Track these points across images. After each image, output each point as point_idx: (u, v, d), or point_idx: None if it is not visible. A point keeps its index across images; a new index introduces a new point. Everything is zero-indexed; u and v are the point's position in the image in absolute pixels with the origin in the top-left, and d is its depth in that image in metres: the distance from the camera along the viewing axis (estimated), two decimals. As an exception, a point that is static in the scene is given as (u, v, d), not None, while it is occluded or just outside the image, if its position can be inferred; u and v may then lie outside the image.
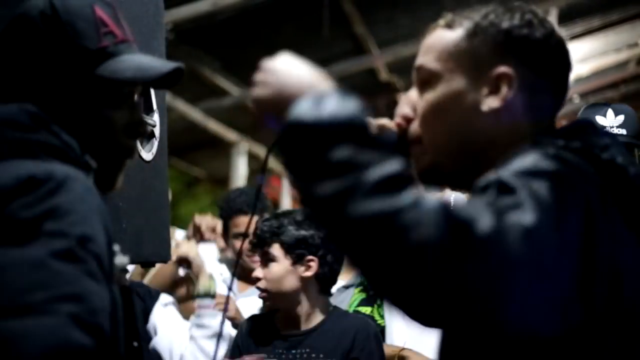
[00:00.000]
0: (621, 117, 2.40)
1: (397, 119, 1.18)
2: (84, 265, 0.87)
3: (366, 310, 2.52)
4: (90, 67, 1.08)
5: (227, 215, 3.05)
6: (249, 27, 4.76)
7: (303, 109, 0.90)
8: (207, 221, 3.30)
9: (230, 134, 6.37)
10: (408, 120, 1.17)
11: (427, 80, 1.14)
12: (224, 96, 5.62)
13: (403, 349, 2.31)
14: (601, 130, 1.12)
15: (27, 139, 0.99)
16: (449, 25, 1.15)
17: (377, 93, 6.45)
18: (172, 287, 3.00)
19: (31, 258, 0.85)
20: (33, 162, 0.96)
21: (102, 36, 1.09)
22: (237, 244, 2.97)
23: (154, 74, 1.11)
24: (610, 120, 2.41)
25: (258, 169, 6.82)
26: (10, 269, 0.84)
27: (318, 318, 2.22)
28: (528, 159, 0.98)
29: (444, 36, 1.14)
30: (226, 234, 3.08)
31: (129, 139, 1.13)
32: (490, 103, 1.10)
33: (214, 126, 6.08)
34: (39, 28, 1.06)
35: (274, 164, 7.09)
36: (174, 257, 2.45)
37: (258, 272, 2.18)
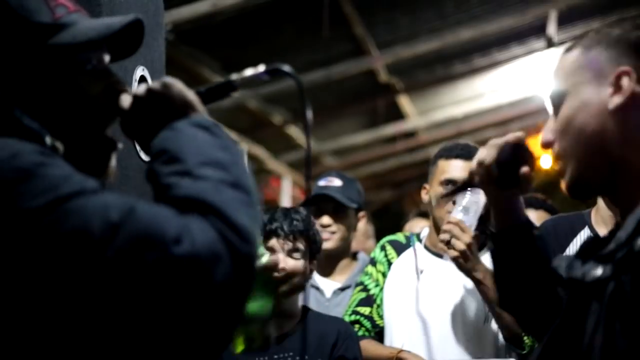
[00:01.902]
0: None
1: (543, 144, 1.27)
2: None
3: (365, 310, 2.51)
4: (49, 40, 1.05)
5: None
6: (249, 28, 4.76)
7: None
8: None
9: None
10: (550, 145, 1.26)
11: (558, 103, 1.24)
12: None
13: (401, 350, 2.31)
14: None
15: None
16: (568, 50, 1.27)
17: (376, 94, 6.44)
18: None
19: None
20: None
21: (54, 9, 1.07)
22: None
23: (115, 27, 1.08)
24: None
25: (257, 169, 6.81)
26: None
27: (295, 319, 2.21)
28: None
29: (565, 60, 1.26)
30: None
31: (108, 104, 1.09)
32: (615, 100, 1.17)
33: (214, 127, 6.08)
34: None
35: (275, 165, 7.10)
36: None
37: (283, 263, 2.17)
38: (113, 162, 1.12)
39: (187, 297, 0.85)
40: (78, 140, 1.07)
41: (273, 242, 2.18)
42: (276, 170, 7.27)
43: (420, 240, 2.57)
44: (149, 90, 1.08)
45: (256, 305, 1.12)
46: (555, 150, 1.25)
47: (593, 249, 1.20)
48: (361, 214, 3.07)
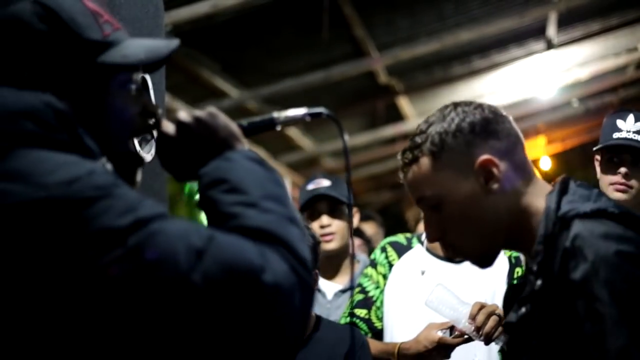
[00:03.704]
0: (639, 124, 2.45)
1: (436, 241, 1.39)
2: None
3: (362, 312, 2.51)
4: (98, 58, 1.05)
5: None
6: (249, 29, 4.76)
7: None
8: None
9: (229, 136, 6.37)
10: (440, 240, 1.37)
11: (433, 204, 1.34)
12: (223, 98, 5.61)
13: (401, 345, 2.30)
14: None
15: (50, 137, 0.91)
16: (414, 160, 1.36)
17: (376, 96, 6.44)
18: None
19: None
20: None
21: (102, 26, 1.07)
22: None
23: (163, 52, 1.10)
24: (629, 125, 2.46)
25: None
26: None
27: (307, 329, 2.18)
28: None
29: (419, 168, 1.35)
30: None
31: (144, 125, 1.12)
32: (494, 186, 1.31)
33: (213, 128, 6.08)
34: (38, 30, 1.01)
35: (274, 166, 7.08)
36: None
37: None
38: (139, 176, 1.13)
39: (272, 324, 0.89)
40: (111, 157, 1.06)
41: None
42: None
43: (421, 242, 2.57)
44: (197, 119, 1.11)
45: None
46: (450, 241, 1.37)
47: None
48: (355, 209, 3.07)
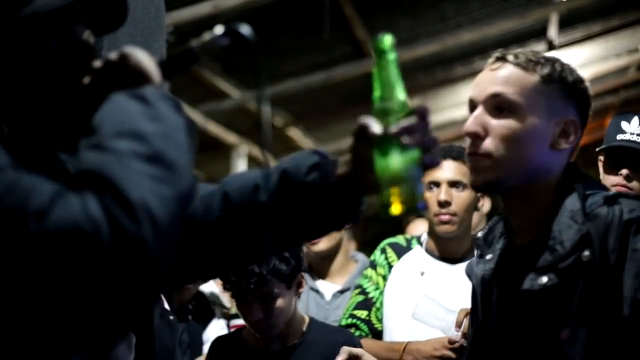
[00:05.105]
0: None
1: (470, 134, 1.40)
2: None
3: (362, 314, 2.50)
4: (12, 13, 0.98)
5: None
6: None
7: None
8: None
9: (230, 137, 6.37)
10: (477, 137, 1.39)
11: (504, 108, 1.38)
12: (224, 98, 5.61)
13: (408, 342, 2.30)
14: None
15: None
16: (524, 68, 1.39)
17: (377, 97, 6.44)
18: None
19: None
20: None
21: None
22: None
23: None
24: (633, 128, 2.48)
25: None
26: None
27: (299, 330, 2.16)
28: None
29: (522, 76, 1.40)
30: None
31: (75, 81, 1.03)
32: (562, 144, 1.38)
33: (214, 128, 6.08)
34: None
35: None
36: None
37: (259, 314, 2.04)
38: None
39: (47, 272, 0.81)
40: (51, 116, 1.02)
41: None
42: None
43: (420, 243, 2.57)
44: (106, 62, 1.03)
45: (399, 165, 1.11)
46: (485, 146, 1.38)
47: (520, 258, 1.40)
48: None
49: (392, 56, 1.14)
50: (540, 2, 5.45)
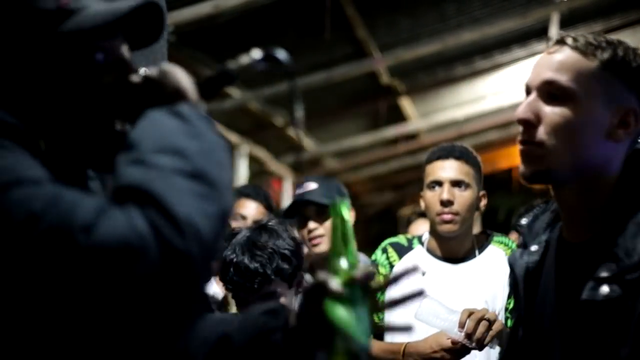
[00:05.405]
0: None
1: (520, 121, 1.29)
2: None
3: (365, 313, 2.50)
4: (54, 28, 0.99)
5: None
6: (251, 29, 4.76)
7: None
8: None
9: (231, 137, 6.37)
10: (529, 124, 1.29)
11: (558, 95, 1.28)
12: (225, 98, 5.61)
13: (408, 343, 2.29)
14: None
15: None
16: (583, 52, 1.29)
17: (378, 96, 6.44)
18: None
19: None
20: None
21: None
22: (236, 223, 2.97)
23: (124, 11, 1.01)
24: None
25: (259, 171, 6.81)
26: None
27: None
28: None
29: (579, 61, 1.29)
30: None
31: (118, 96, 1.03)
32: (621, 135, 1.27)
33: (215, 128, 6.09)
34: None
35: (276, 167, 7.10)
36: None
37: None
38: None
39: (94, 289, 0.80)
40: (86, 133, 1.02)
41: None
42: (277, 171, 7.26)
43: (422, 243, 2.57)
44: (145, 78, 1.04)
45: (349, 320, 1.05)
46: (539, 134, 1.29)
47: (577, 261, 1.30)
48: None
49: (347, 218, 1.12)
50: (541, 2, 5.44)
